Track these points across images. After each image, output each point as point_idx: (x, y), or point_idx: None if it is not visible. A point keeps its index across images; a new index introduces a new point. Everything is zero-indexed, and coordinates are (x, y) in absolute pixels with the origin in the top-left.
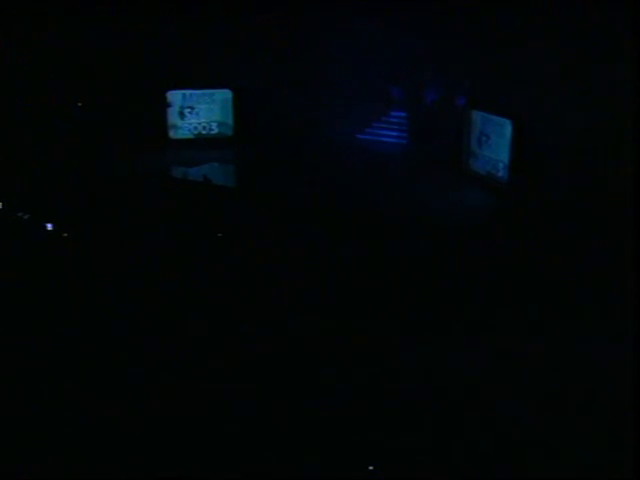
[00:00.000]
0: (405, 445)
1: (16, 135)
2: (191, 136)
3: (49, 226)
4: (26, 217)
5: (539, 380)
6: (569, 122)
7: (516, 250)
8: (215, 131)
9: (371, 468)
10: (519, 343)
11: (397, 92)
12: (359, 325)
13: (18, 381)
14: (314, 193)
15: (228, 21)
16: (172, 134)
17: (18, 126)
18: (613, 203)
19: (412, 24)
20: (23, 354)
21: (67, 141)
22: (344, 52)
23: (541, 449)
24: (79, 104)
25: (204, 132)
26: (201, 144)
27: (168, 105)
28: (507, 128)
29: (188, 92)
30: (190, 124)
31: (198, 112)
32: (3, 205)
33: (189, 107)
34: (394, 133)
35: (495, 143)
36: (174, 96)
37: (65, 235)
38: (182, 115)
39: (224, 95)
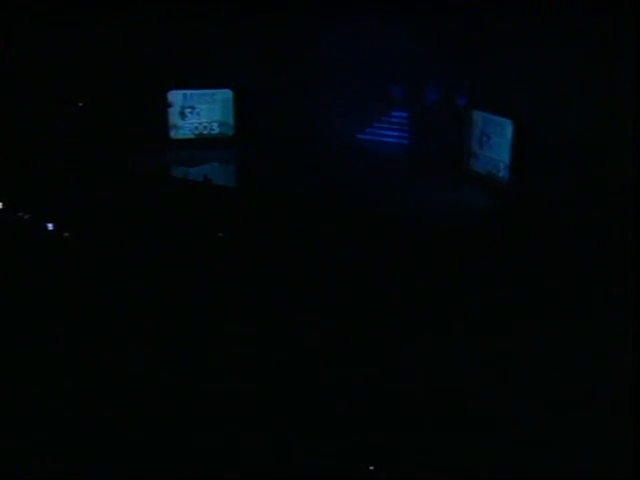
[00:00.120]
0: (405, 445)
1: (16, 135)
2: (192, 136)
3: (49, 226)
4: (26, 217)
5: (539, 380)
6: (569, 122)
7: (516, 250)
8: (216, 131)
9: (371, 468)
10: (519, 343)
11: (397, 92)
12: (359, 325)
13: (18, 381)
14: (314, 193)
15: (229, 21)
16: (173, 134)
17: (18, 126)
18: (613, 203)
19: (412, 24)
20: (23, 354)
21: (67, 141)
22: (344, 52)
23: (541, 449)
24: (80, 104)
25: (205, 132)
26: (202, 144)
27: (169, 105)
28: (508, 128)
29: (189, 92)
30: (191, 124)
31: (199, 112)
32: (3, 205)
33: (190, 107)
34: (394, 133)
35: (496, 143)
36: (175, 96)
37: (66, 235)
38: (183, 115)
39: (225, 95)
